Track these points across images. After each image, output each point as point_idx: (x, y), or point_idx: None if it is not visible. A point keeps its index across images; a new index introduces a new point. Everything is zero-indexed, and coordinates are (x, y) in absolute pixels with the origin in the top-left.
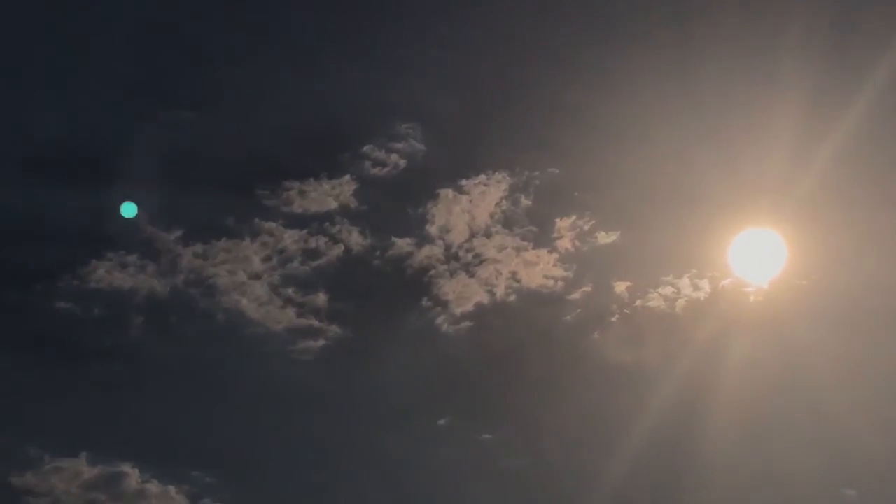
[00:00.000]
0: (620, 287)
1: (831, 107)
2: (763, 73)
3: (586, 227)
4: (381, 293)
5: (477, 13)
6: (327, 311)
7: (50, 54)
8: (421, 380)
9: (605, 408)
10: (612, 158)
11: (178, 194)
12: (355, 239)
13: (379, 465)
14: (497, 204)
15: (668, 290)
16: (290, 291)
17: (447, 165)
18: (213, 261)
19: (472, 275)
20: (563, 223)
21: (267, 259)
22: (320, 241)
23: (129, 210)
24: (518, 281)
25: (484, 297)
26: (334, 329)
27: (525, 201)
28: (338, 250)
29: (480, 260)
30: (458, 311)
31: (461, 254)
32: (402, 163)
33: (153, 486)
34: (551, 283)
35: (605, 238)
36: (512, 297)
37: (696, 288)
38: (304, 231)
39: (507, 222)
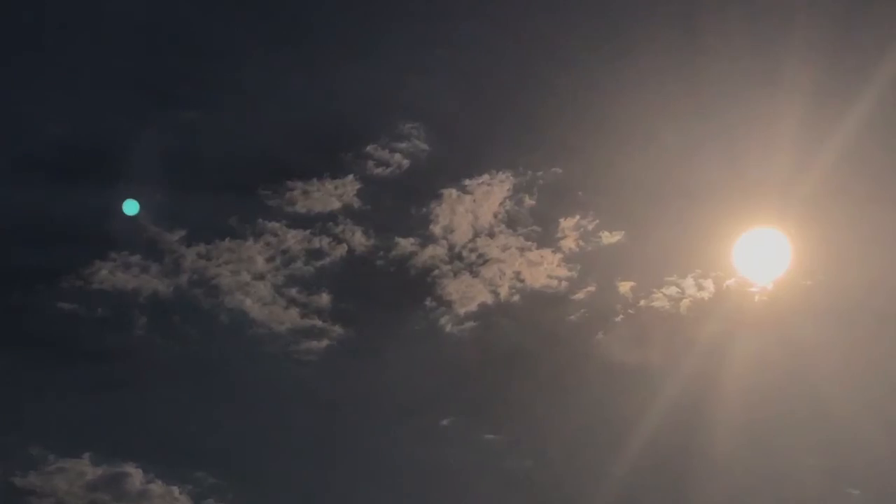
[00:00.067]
0: (624, 287)
1: (836, 106)
2: (767, 73)
3: (590, 227)
4: (384, 293)
5: (480, 13)
6: (331, 312)
7: (55, 54)
8: (425, 380)
9: (610, 408)
10: (616, 158)
11: (181, 194)
12: (359, 239)
13: (382, 465)
14: (501, 204)
15: (673, 290)
16: (293, 292)
17: (451, 165)
18: (217, 261)
19: (475, 275)
20: (566, 223)
21: (270, 259)
22: (324, 242)
23: (131, 207)
24: (522, 281)
25: (488, 297)
26: (338, 329)
27: (529, 201)
28: (341, 250)
29: (484, 260)
30: (461, 311)
31: (465, 254)
32: (406, 163)
33: (157, 487)
34: (555, 283)
35: (609, 238)
36: (516, 297)
37: (700, 288)
38: (308, 231)
39: (511, 222)
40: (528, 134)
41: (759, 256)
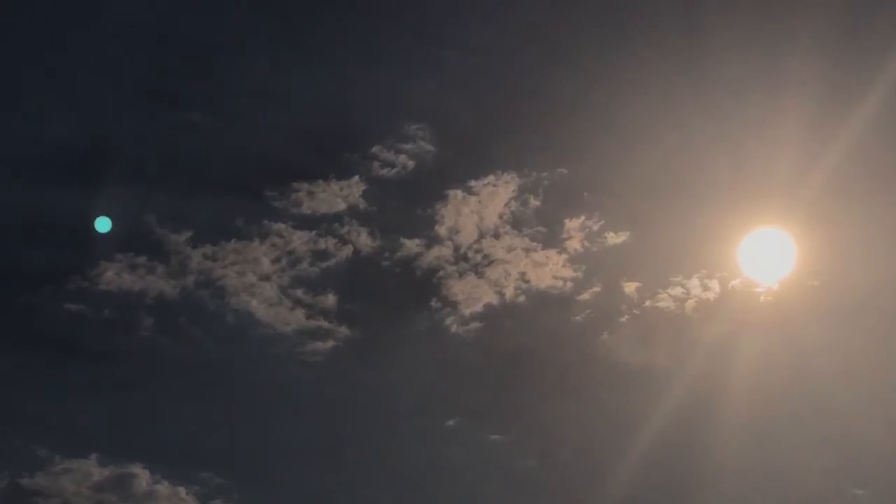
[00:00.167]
0: (630, 287)
1: (842, 106)
2: (773, 73)
3: (595, 228)
4: (390, 294)
5: (485, 14)
6: (336, 313)
7: (60, 56)
8: (430, 380)
9: (615, 408)
10: (622, 159)
11: (187, 196)
12: (364, 240)
13: (388, 465)
14: (506, 205)
15: (678, 291)
16: (299, 293)
17: (456, 166)
18: (223, 262)
19: (481, 275)
20: (572, 224)
21: (276, 260)
22: (329, 243)
23: (102, 225)
24: (527, 282)
25: (493, 298)
26: (343, 330)
27: (534, 202)
28: (347, 251)
29: (489, 261)
30: (467, 311)
31: (470, 254)
32: (411, 164)
33: (163, 488)
34: (560, 283)
35: (614, 238)
36: (521, 298)
37: (705, 288)
38: (314, 232)
39: (516, 223)
40: (533, 135)
41: (765, 257)
